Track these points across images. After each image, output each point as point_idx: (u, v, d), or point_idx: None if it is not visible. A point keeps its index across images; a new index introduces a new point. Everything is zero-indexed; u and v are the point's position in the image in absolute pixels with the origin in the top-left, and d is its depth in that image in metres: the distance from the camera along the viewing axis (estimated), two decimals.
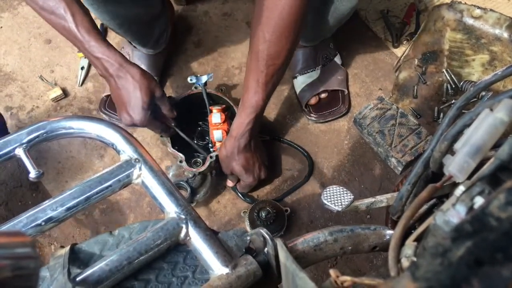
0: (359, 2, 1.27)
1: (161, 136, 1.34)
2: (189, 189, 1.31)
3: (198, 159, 1.34)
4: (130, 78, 1.14)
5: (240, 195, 1.41)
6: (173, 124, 1.32)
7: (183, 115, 1.35)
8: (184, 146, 1.35)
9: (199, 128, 1.44)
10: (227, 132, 1.32)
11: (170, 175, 1.34)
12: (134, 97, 1.15)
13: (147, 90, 1.16)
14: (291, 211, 1.38)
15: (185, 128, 1.36)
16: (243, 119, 1.20)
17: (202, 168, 1.29)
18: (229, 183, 1.40)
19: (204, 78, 1.40)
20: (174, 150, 1.31)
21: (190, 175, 1.31)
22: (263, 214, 1.29)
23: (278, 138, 1.50)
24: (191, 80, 1.40)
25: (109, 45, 1.12)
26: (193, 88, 1.40)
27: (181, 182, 1.31)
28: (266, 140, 1.49)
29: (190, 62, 1.64)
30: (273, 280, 0.71)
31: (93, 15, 1.16)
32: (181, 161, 1.29)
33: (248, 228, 1.34)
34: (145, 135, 1.50)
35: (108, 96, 1.52)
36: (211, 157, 1.30)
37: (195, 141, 1.38)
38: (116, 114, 1.50)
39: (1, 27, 1.71)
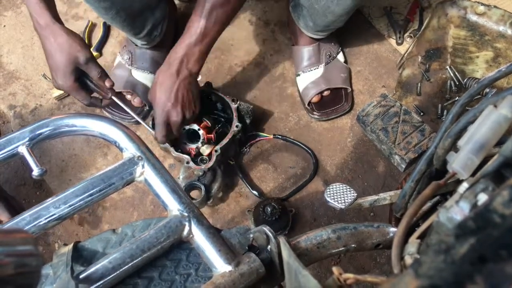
0: None
1: (156, 139, 1.29)
2: (203, 187, 1.31)
3: (204, 156, 1.34)
4: (53, 39, 1.08)
5: (249, 187, 1.41)
6: (109, 95, 1.21)
7: None
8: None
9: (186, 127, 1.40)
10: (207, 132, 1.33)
11: (180, 179, 1.34)
12: (56, 60, 1.09)
13: (68, 54, 1.08)
14: (295, 209, 1.38)
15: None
16: (180, 45, 1.17)
17: (210, 164, 1.29)
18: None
19: None
20: (178, 153, 1.30)
21: (200, 173, 1.31)
22: (269, 210, 1.29)
23: (283, 137, 1.50)
24: None
25: (43, 3, 1.06)
26: None
27: (194, 182, 1.31)
28: (270, 138, 1.49)
29: None
30: (276, 277, 0.71)
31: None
32: (188, 162, 1.29)
33: (252, 226, 1.34)
34: (148, 133, 1.50)
35: None
36: (216, 151, 1.29)
37: (185, 142, 1.36)
38: (119, 112, 1.50)
39: (4, 26, 1.71)
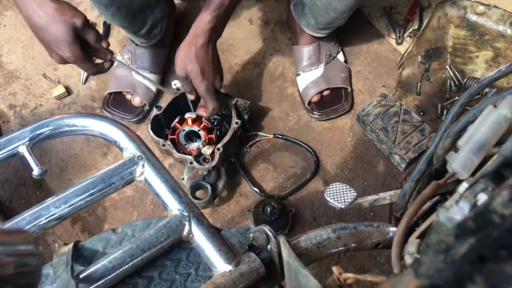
0: None
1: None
2: (209, 187, 1.31)
3: (206, 156, 1.34)
4: (41, 11, 1.01)
5: (250, 184, 1.41)
6: (109, 57, 1.15)
7: (174, 117, 1.35)
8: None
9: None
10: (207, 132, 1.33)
11: (185, 179, 1.33)
12: (53, 32, 1.02)
13: (65, 22, 1.02)
14: (294, 209, 1.38)
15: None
16: (204, 17, 1.15)
17: (214, 162, 1.29)
18: (190, 97, 1.28)
19: None
20: (180, 154, 1.30)
21: (205, 173, 1.31)
22: (268, 209, 1.30)
23: (283, 136, 1.50)
24: (175, 85, 1.37)
25: None
26: (175, 91, 1.38)
27: (200, 182, 1.31)
28: (271, 137, 1.49)
29: None
30: (276, 277, 0.71)
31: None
32: (191, 162, 1.29)
33: (252, 226, 1.34)
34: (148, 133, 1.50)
35: (111, 94, 1.52)
36: (218, 149, 1.29)
37: (185, 143, 1.37)
38: (119, 112, 1.50)
39: (5, 25, 1.71)
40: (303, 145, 1.48)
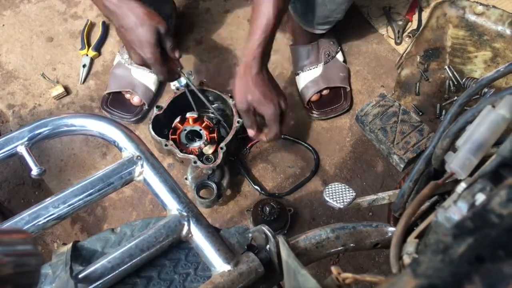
0: None
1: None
2: (214, 186, 1.31)
3: (209, 155, 1.34)
4: (132, 15, 1.10)
5: (253, 184, 1.41)
6: (178, 69, 1.26)
7: (175, 117, 1.35)
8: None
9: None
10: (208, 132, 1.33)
11: (189, 179, 1.33)
12: (139, 34, 1.11)
13: (151, 26, 1.11)
14: (293, 209, 1.38)
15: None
16: (255, 41, 1.13)
17: (218, 161, 1.29)
18: (250, 132, 1.27)
19: (182, 81, 1.35)
20: (183, 154, 1.30)
21: (210, 172, 1.31)
22: (267, 209, 1.30)
23: (283, 136, 1.50)
24: (174, 85, 1.38)
25: None
26: (175, 90, 1.38)
27: (206, 181, 1.31)
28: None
29: (192, 59, 1.64)
30: (275, 277, 0.71)
31: None
32: (195, 162, 1.28)
33: (251, 226, 1.34)
34: (147, 132, 1.50)
35: (110, 94, 1.52)
36: (221, 148, 1.30)
37: (186, 143, 1.37)
38: (118, 111, 1.50)
39: (3, 25, 1.71)
40: (303, 144, 1.48)
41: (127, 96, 1.52)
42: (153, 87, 1.52)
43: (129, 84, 1.50)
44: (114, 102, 1.52)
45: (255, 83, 1.15)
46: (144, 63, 1.17)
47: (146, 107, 1.51)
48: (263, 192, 1.42)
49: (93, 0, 1.14)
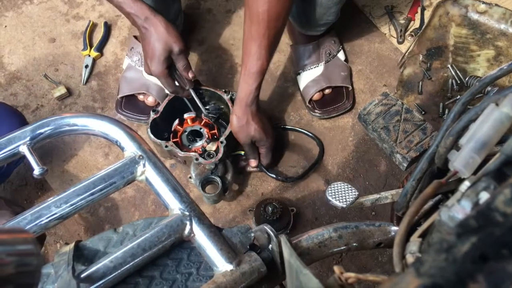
0: None
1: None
2: (218, 179, 1.31)
3: (211, 151, 1.34)
4: (153, 30, 1.21)
5: (268, 173, 1.42)
6: (187, 87, 1.33)
7: (173, 121, 1.35)
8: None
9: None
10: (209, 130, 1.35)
11: (193, 176, 1.33)
12: (153, 48, 1.22)
13: (165, 43, 1.21)
14: (296, 208, 1.38)
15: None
16: (250, 85, 1.21)
17: (220, 155, 1.30)
18: (253, 163, 1.39)
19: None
20: (185, 152, 1.31)
21: (212, 167, 1.31)
22: (270, 209, 1.29)
23: (289, 128, 1.52)
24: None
25: (138, 0, 1.20)
26: (169, 93, 1.39)
27: (210, 176, 1.31)
28: (278, 128, 1.50)
29: (194, 59, 1.63)
30: (277, 276, 0.71)
31: None
32: (197, 159, 1.29)
33: (253, 225, 1.34)
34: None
35: (122, 97, 1.51)
36: (221, 142, 1.30)
37: (188, 144, 1.37)
38: (134, 114, 1.50)
39: (6, 26, 1.71)
40: (307, 132, 1.49)
41: (141, 97, 1.51)
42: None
43: (143, 85, 1.49)
44: (128, 105, 1.51)
45: (256, 122, 1.27)
46: (152, 74, 1.28)
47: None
48: (279, 177, 1.42)
49: (123, 14, 1.23)
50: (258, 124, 1.27)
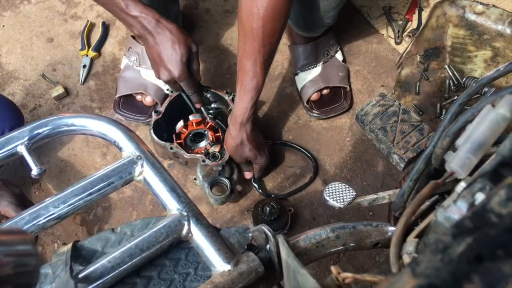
0: None
1: (169, 145, 1.33)
2: (227, 181, 1.31)
3: (215, 153, 1.34)
4: (168, 33, 1.18)
5: (259, 190, 1.42)
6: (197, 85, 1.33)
7: (173, 121, 1.36)
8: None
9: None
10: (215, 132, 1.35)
11: (200, 178, 1.33)
12: (172, 51, 1.19)
13: (184, 44, 1.19)
14: (294, 209, 1.38)
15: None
16: (246, 103, 1.19)
17: (227, 157, 1.31)
18: (248, 175, 1.39)
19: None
20: (191, 154, 1.31)
21: (220, 168, 1.31)
22: (267, 209, 1.30)
23: (283, 142, 1.50)
24: (167, 89, 1.39)
25: (145, 4, 1.16)
26: (169, 93, 1.39)
27: (219, 178, 1.32)
28: (270, 143, 1.48)
29: None
30: (275, 277, 0.71)
31: None
32: (203, 161, 1.29)
33: (251, 226, 1.34)
34: (148, 133, 1.50)
35: (120, 97, 1.51)
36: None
37: (191, 146, 1.37)
38: (132, 114, 1.49)
39: (3, 26, 1.71)
40: (303, 150, 1.48)
41: (139, 97, 1.51)
42: (164, 86, 1.52)
43: (140, 85, 1.49)
44: (126, 105, 1.51)
45: (250, 143, 1.26)
46: (172, 79, 1.23)
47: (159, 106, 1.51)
48: (260, 191, 1.42)
49: (126, 19, 1.19)
50: (252, 144, 1.26)
